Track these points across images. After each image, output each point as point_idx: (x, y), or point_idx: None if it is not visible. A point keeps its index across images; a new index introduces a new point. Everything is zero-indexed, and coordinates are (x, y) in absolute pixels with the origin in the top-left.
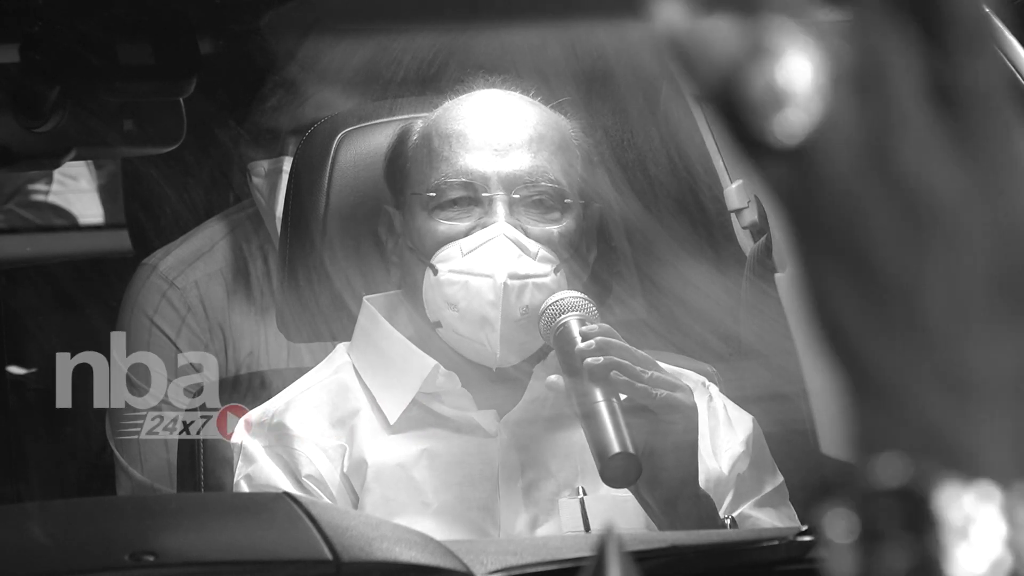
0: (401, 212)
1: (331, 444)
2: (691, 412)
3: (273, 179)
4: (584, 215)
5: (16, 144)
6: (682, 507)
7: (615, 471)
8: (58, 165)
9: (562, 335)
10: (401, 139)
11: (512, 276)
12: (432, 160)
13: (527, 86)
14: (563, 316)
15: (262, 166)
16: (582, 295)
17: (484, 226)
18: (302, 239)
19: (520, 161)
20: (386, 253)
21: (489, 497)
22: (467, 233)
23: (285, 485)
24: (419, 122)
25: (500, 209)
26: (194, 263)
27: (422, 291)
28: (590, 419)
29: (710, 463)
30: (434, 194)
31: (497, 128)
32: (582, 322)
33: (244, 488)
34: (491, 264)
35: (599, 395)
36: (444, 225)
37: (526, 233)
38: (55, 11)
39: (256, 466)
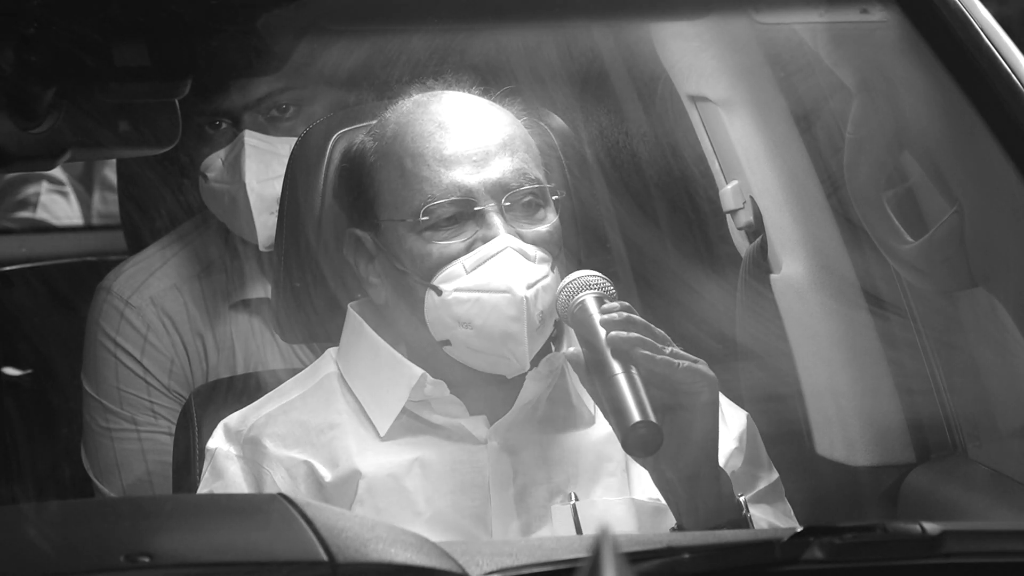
0: (374, 235)
1: (302, 462)
2: (712, 382)
3: (235, 153)
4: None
5: (11, 145)
6: (702, 484)
7: (637, 440)
8: (54, 166)
9: (580, 312)
10: (353, 161)
11: (528, 287)
12: (409, 181)
13: (466, 82)
14: (581, 294)
15: (218, 157)
16: (599, 274)
17: (484, 240)
18: (297, 239)
19: (501, 167)
20: (360, 275)
21: (481, 505)
22: (468, 250)
23: None
24: (366, 139)
25: (496, 220)
26: (147, 280)
27: (423, 312)
28: (610, 390)
29: None
30: (426, 217)
31: (468, 137)
32: (600, 300)
33: None
34: (504, 279)
35: (618, 367)
36: (439, 245)
37: (523, 238)
38: (51, 12)
39: (221, 483)
